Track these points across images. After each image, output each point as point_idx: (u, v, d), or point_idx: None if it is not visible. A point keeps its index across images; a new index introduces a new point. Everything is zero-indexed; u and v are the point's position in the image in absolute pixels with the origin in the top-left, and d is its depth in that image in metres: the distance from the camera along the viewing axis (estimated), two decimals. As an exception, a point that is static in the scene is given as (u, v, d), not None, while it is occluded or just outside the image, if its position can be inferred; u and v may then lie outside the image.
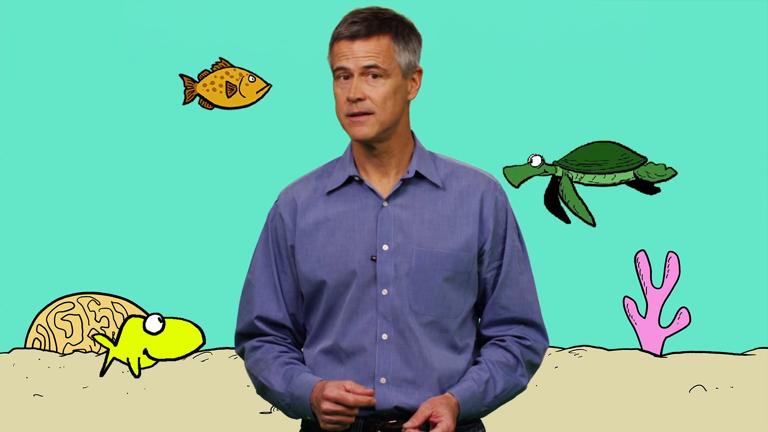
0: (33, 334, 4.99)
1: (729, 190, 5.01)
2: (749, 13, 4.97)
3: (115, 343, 2.37)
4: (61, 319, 5.00)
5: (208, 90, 4.91)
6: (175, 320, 2.40)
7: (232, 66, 4.92)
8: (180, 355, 2.44)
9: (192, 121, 5.00)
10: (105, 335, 2.47)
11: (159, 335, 2.34)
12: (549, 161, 4.83)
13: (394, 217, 2.74)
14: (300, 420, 2.82)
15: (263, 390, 2.80)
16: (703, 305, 5.00)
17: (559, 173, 4.76)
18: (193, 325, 2.40)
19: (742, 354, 4.99)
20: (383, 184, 2.77)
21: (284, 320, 2.81)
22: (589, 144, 4.87)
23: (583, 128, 4.91)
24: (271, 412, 4.90)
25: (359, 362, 2.71)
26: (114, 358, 2.37)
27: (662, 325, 5.01)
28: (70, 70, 5.02)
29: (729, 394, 4.97)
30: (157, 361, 2.40)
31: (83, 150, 5.01)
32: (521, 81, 4.94)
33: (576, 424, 4.94)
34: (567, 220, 4.85)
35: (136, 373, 2.43)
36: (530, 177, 4.84)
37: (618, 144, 4.86)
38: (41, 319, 4.99)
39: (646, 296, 4.99)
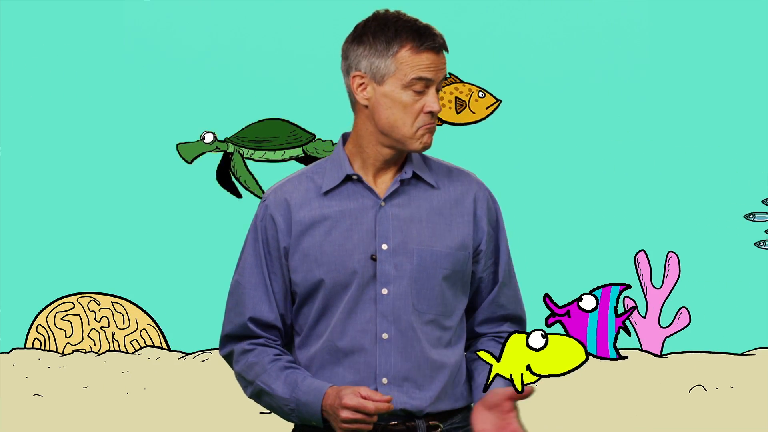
0: (33, 334, 4.99)
1: (729, 190, 5.01)
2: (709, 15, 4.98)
3: (498, 359, 2.36)
4: (61, 319, 5.00)
5: None
6: (559, 336, 2.39)
7: (462, 81, 4.89)
8: (563, 371, 2.41)
9: None
10: (489, 352, 2.45)
11: (542, 351, 2.33)
12: (221, 138, 4.89)
13: (392, 216, 2.74)
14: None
15: (259, 394, 2.78)
16: (703, 305, 5.00)
17: (231, 149, 4.85)
18: (576, 341, 2.38)
19: (742, 354, 4.99)
20: (380, 184, 2.78)
21: (276, 321, 2.79)
22: (259, 121, 4.93)
23: (254, 106, 4.95)
24: (270, 412, 4.90)
25: (359, 362, 2.71)
26: (497, 374, 2.35)
27: (662, 325, 5.00)
28: (73, 69, 5.02)
29: (729, 394, 4.97)
30: (540, 377, 2.38)
31: (84, 150, 5.01)
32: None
33: (576, 424, 4.94)
34: (239, 195, 4.92)
35: (519, 389, 2.41)
36: (203, 153, 4.91)
37: (287, 121, 4.91)
38: (41, 319, 4.99)
39: (646, 296, 4.99)
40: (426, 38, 2.71)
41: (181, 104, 4.96)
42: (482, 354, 2.47)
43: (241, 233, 5.04)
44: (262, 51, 4.96)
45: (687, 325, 5.01)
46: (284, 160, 4.91)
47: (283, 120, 4.92)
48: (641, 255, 4.99)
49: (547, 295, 2.56)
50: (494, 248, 2.83)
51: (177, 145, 4.86)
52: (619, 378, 4.98)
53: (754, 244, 4.94)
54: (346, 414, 2.62)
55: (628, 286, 2.79)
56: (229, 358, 2.84)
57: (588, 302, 2.60)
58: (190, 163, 4.85)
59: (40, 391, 4.96)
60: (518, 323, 2.90)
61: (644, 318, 5.00)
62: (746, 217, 4.90)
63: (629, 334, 2.81)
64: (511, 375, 2.46)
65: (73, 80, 5.01)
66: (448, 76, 4.65)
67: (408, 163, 2.78)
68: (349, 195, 2.76)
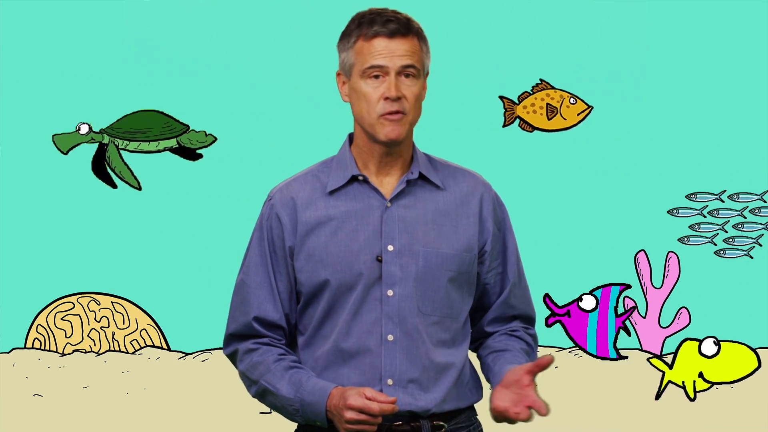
0: (33, 334, 4.98)
1: (729, 191, 5.01)
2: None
3: (671, 366, 2.34)
4: (61, 319, 4.99)
5: (528, 112, 4.87)
6: (731, 343, 2.35)
7: (553, 87, 4.88)
8: (735, 378, 2.37)
9: (513, 144, 4.97)
10: (660, 358, 2.43)
11: (714, 358, 2.29)
12: (96, 129, 4.92)
13: (398, 217, 2.73)
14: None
15: (263, 394, 2.76)
16: (703, 305, 5.00)
17: (106, 140, 4.90)
18: (748, 348, 2.34)
19: (742, 354, 5.00)
20: (385, 184, 2.76)
21: (281, 321, 2.78)
22: (134, 112, 4.96)
23: (130, 97, 4.98)
24: (270, 413, 4.90)
25: (364, 363, 2.70)
26: (669, 381, 2.33)
27: (662, 325, 5.00)
28: (76, 68, 5.01)
29: (729, 394, 4.97)
30: (713, 384, 2.34)
31: (82, 150, 5.00)
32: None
33: (576, 424, 4.94)
34: (114, 185, 4.95)
35: (692, 396, 2.38)
36: (78, 144, 4.94)
37: (161, 113, 4.94)
38: (41, 319, 4.98)
39: (646, 296, 4.99)
40: (374, 24, 2.69)
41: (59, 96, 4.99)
42: (655, 361, 2.48)
43: (241, 233, 5.03)
44: (138, 43, 4.98)
45: (687, 325, 5.01)
46: (159, 151, 4.96)
47: (157, 111, 4.96)
48: (641, 255, 4.99)
49: (547, 296, 2.56)
50: (501, 249, 2.82)
51: (53, 136, 4.91)
52: (619, 378, 4.98)
53: (678, 239, 4.94)
54: (350, 415, 2.61)
55: (628, 286, 2.79)
56: (233, 357, 2.83)
57: (588, 302, 2.60)
58: (66, 153, 4.90)
59: (40, 391, 4.95)
60: (528, 321, 2.89)
61: (644, 318, 5.00)
62: (670, 212, 4.91)
63: (629, 334, 2.82)
64: (683, 382, 2.45)
65: (80, 77, 5.00)
66: (540, 84, 4.62)
67: (414, 163, 2.77)
68: (356, 195, 2.75)
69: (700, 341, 2.27)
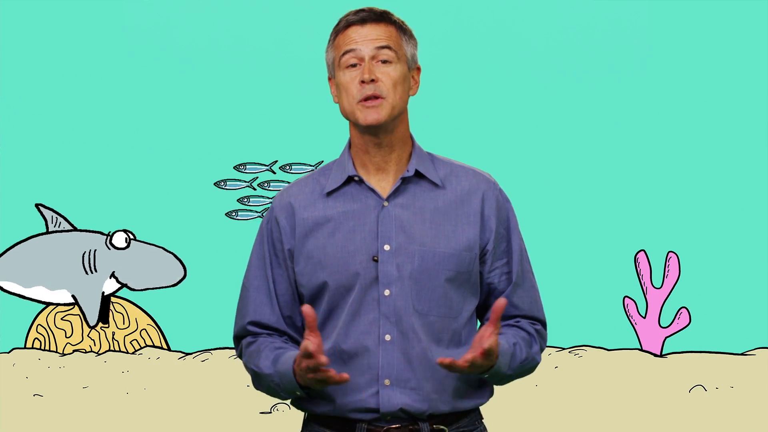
0: (33, 334, 4.99)
1: (729, 190, 5.01)
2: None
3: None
4: (61, 319, 4.99)
5: None
6: None
7: None
8: None
9: None
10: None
11: None
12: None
13: (395, 216, 2.73)
14: (302, 420, 2.82)
15: (257, 379, 2.77)
16: (703, 305, 5.00)
17: None
18: None
19: (742, 354, 4.99)
20: (383, 184, 2.76)
21: (278, 324, 2.79)
22: None
23: (130, 96, 4.98)
24: (270, 412, 4.90)
25: (363, 364, 2.70)
26: None
27: (662, 325, 5.01)
28: (75, 69, 5.02)
29: (729, 394, 4.97)
30: None
31: (85, 150, 5.01)
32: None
33: (576, 424, 4.94)
34: None
35: None
36: None
37: None
38: (41, 319, 4.99)
39: (646, 296, 4.99)
40: (348, 16, 2.74)
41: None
42: None
43: (241, 233, 5.04)
44: (138, 42, 5.00)
45: (687, 325, 5.01)
46: None
47: None
48: (641, 255, 4.99)
49: None
50: (505, 249, 2.80)
51: None
52: (619, 378, 4.98)
53: (225, 214, 4.90)
54: (304, 363, 2.58)
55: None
56: (240, 355, 2.85)
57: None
58: None
59: (40, 391, 4.96)
60: (536, 323, 2.84)
61: (644, 318, 5.00)
62: (216, 184, 4.87)
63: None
64: None
65: (80, 76, 5.01)
66: None
67: (411, 161, 2.77)
68: (353, 196, 2.75)
69: None
